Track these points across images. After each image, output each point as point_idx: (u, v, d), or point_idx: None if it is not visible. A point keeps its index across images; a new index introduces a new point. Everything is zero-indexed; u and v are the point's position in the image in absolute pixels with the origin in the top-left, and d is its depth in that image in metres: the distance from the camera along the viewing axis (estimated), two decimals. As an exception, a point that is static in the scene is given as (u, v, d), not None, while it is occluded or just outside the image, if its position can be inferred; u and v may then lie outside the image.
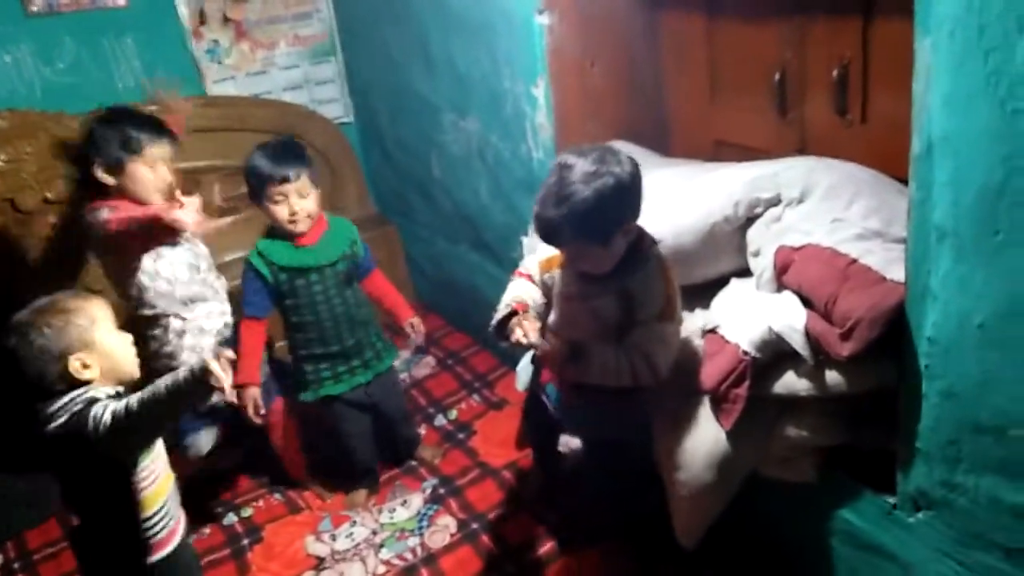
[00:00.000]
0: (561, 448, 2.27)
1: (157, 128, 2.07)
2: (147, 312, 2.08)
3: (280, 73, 3.28)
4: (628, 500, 1.98)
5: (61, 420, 1.46)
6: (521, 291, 1.78)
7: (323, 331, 2.17)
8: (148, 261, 2.05)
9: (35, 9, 2.72)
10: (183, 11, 3.01)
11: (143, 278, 2.04)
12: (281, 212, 2.05)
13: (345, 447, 2.35)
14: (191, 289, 2.12)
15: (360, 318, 2.24)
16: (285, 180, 2.02)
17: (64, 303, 1.52)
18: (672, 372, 1.74)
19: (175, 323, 2.10)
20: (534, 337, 1.62)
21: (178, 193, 2.08)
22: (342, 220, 2.27)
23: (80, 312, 1.51)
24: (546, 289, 1.81)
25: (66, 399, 1.47)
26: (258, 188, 2.05)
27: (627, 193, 1.52)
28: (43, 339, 1.46)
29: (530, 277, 1.82)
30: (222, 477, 2.54)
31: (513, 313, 1.69)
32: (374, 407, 2.35)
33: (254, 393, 2.11)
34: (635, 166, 1.56)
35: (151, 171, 2.03)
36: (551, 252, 1.74)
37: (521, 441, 2.27)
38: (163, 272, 2.06)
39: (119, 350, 1.56)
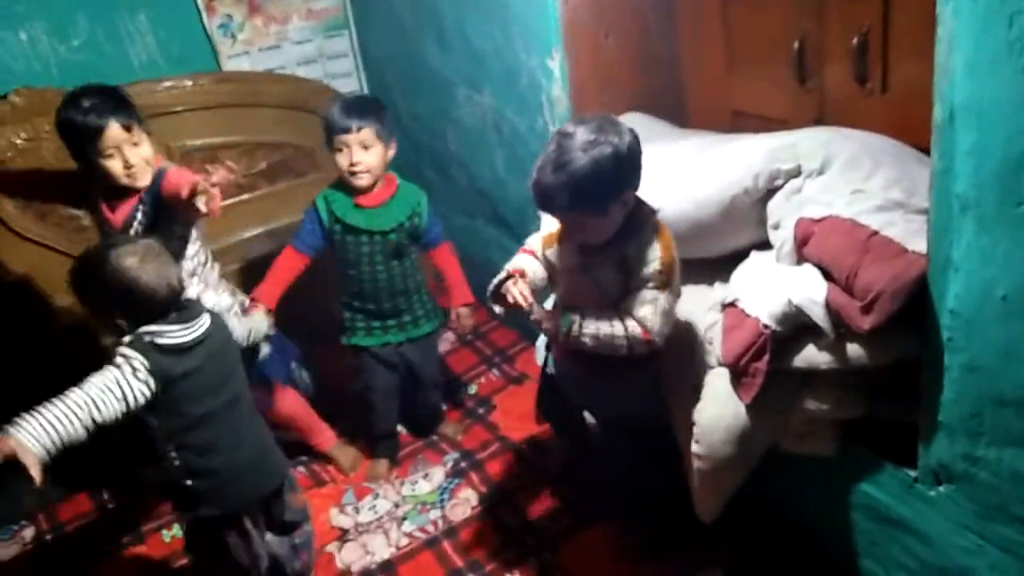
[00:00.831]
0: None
1: (104, 108, 1.88)
2: None
3: (293, 48, 3.27)
4: (645, 476, 1.99)
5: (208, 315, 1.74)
6: (520, 261, 1.80)
7: (362, 289, 2.24)
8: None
9: (49, -13, 2.73)
10: (196, -13, 3.00)
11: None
12: (343, 161, 2.12)
13: (368, 401, 2.40)
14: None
15: (401, 288, 2.27)
16: (347, 130, 2.08)
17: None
18: (687, 346, 1.74)
19: None
20: (525, 300, 1.63)
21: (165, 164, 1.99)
22: (413, 188, 2.29)
23: None
24: (549, 265, 1.80)
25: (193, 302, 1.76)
26: (328, 136, 2.13)
27: (625, 163, 1.52)
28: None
29: (533, 253, 1.83)
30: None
31: (508, 277, 1.70)
32: (408, 370, 2.38)
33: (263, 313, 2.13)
34: (635, 137, 1.55)
35: (114, 160, 1.91)
36: (554, 229, 1.74)
37: (539, 416, 2.27)
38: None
39: None
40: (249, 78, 3.09)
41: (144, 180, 1.96)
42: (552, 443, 2.39)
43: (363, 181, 2.14)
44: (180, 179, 1.87)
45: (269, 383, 2.27)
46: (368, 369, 2.35)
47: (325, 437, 2.49)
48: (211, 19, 3.06)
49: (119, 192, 1.99)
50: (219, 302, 2.12)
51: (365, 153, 2.11)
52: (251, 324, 2.02)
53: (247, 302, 2.19)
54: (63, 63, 2.79)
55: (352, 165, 2.11)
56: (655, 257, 1.60)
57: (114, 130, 1.88)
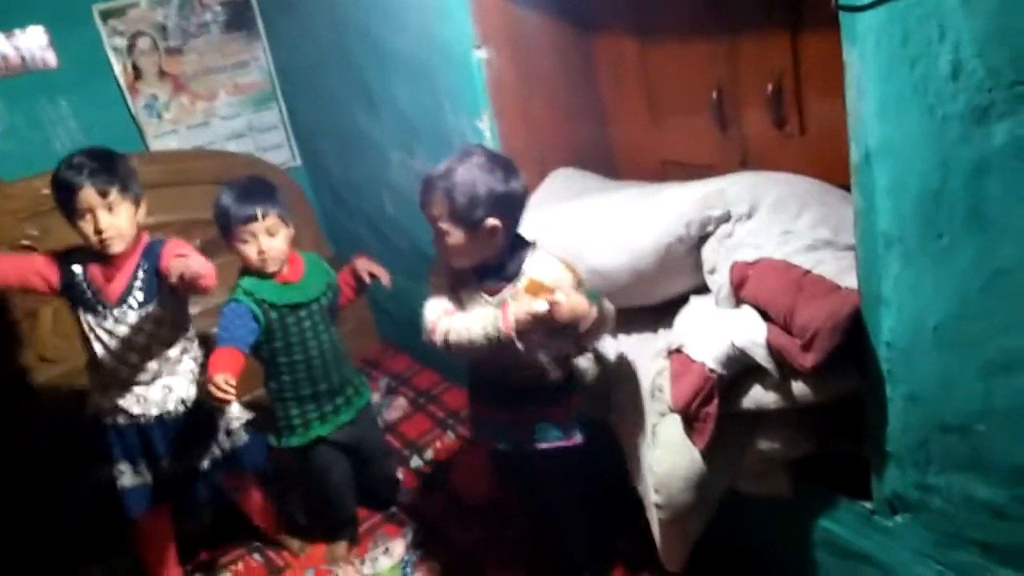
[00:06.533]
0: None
1: (84, 169, 1.86)
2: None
3: (222, 123, 3.25)
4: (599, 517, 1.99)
5: None
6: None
7: (312, 369, 2.11)
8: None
9: (-37, 77, 2.67)
10: (117, 68, 2.97)
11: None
12: (250, 251, 2.00)
13: (328, 496, 2.29)
14: None
15: (343, 354, 2.20)
16: (252, 219, 1.98)
17: None
18: (637, 394, 1.75)
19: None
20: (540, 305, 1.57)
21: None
22: (312, 255, 2.22)
23: None
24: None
25: None
26: (226, 228, 2.01)
27: (502, 198, 1.62)
28: None
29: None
30: (195, 538, 2.47)
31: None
32: (356, 445, 2.29)
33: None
34: (522, 184, 1.68)
35: (86, 222, 1.89)
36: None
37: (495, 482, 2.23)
38: None
39: None
40: (178, 157, 3.06)
41: (115, 248, 1.92)
42: (513, 505, 2.34)
43: (274, 266, 2.04)
44: (170, 257, 1.90)
45: (245, 470, 2.22)
46: (326, 462, 2.22)
47: (277, 522, 2.42)
48: (135, 100, 3.03)
49: (106, 259, 1.95)
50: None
51: (273, 240, 2.01)
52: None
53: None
54: (-18, 152, 2.73)
55: (261, 254, 2.00)
56: (559, 268, 1.69)
57: (88, 192, 1.85)
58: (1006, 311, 1.17)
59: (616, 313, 1.80)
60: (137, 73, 3.03)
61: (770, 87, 1.82)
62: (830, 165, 1.67)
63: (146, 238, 2.02)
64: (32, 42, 2.79)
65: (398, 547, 2.34)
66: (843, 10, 1.19)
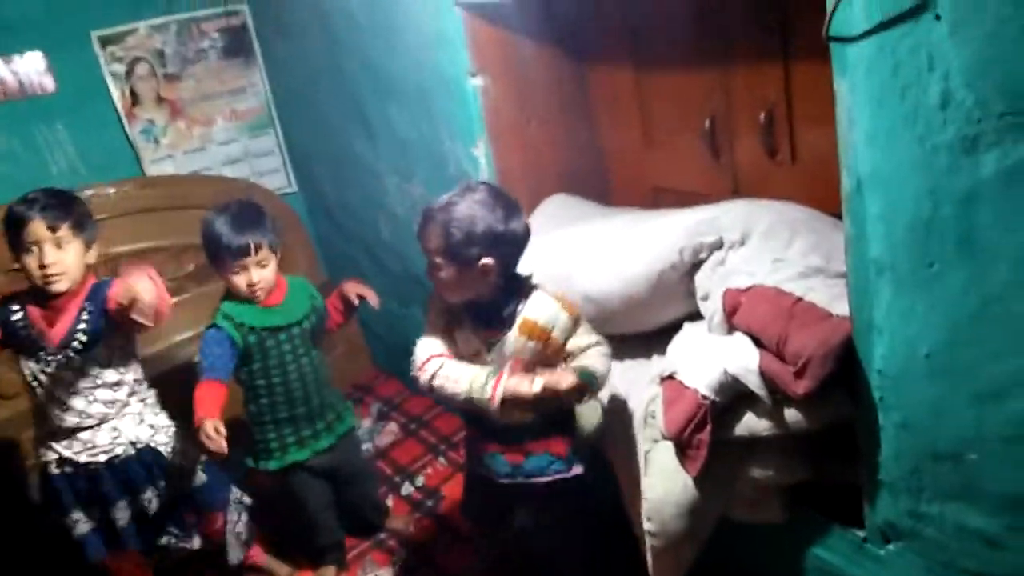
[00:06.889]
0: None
1: (37, 203, 1.84)
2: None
3: (219, 148, 3.27)
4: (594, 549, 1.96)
5: None
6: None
7: (291, 393, 2.09)
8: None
9: (-39, 103, 2.69)
10: (115, 93, 2.99)
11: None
12: (240, 282, 1.98)
13: (308, 521, 2.27)
14: None
15: (325, 378, 2.18)
16: (245, 253, 1.95)
17: None
18: (630, 421, 1.74)
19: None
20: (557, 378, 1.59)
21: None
22: (298, 279, 2.21)
23: None
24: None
25: None
26: (217, 258, 1.98)
27: (498, 237, 1.60)
28: None
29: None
30: (178, 567, 2.44)
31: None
32: (337, 472, 2.27)
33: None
34: (524, 225, 1.66)
35: (32, 256, 1.84)
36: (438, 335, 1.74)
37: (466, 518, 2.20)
38: None
39: None
40: (174, 181, 3.08)
41: (59, 287, 1.87)
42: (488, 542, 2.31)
43: (263, 295, 2.02)
44: (117, 292, 1.82)
45: (204, 510, 2.18)
46: (304, 487, 2.21)
47: (256, 550, 2.39)
48: (132, 125, 3.05)
49: (50, 300, 1.90)
50: (157, 422, 2.07)
51: (264, 271, 2.00)
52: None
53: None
54: (-20, 177, 2.73)
55: (251, 285, 1.98)
56: (555, 308, 1.66)
57: (37, 224, 1.83)
58: (997, 338, 1.17)
59: (609, 342, 1.80)
60: (135, 98, 3.05)
61: (762, 116, 1.85)
62: (821, 193, 1.69)
63: (92, 280, 1.98)
64: (30, 67, 2.81)
65: (387, 574, 2.32)
66: (834, 41, 1.21)
